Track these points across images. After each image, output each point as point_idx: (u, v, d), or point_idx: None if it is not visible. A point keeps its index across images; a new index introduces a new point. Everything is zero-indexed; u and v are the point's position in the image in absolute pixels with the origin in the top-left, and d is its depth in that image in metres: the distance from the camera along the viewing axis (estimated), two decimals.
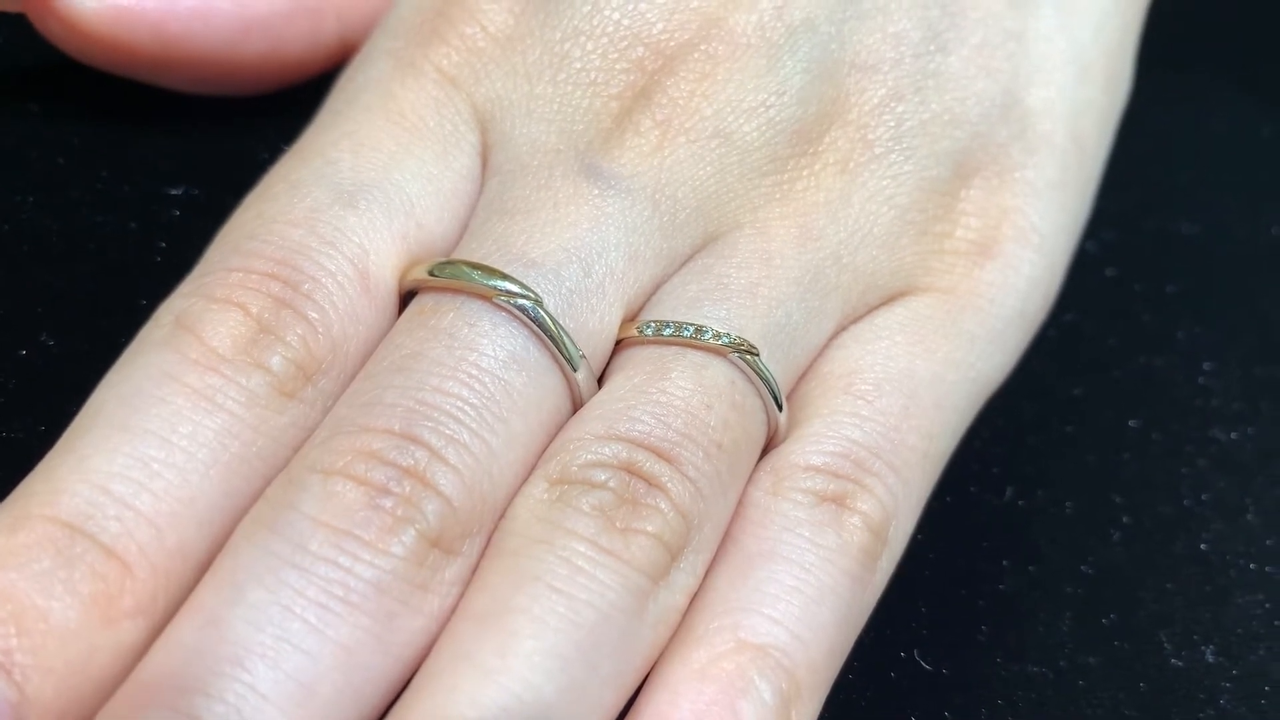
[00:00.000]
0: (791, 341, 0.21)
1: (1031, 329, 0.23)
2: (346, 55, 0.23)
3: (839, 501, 0.19)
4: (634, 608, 0.18)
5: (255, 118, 0.25)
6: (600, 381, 0.20)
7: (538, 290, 0.19)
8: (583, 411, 0.19)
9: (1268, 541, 0.24)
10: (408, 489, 0.17)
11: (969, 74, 0.22)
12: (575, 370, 0.19)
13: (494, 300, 0.19)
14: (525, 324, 0.19)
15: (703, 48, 0.21)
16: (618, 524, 0.18)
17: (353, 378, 0.19)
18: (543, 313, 0.19)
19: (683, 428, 0.19)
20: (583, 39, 0.21)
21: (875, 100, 0.22)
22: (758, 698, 0.18)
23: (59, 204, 0.24)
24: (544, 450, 0.19)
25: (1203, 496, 0.25)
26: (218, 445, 0.18)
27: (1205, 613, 0.23)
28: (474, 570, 0.18)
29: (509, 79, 0.21)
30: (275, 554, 0.17)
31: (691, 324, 0.20)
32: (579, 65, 0.21)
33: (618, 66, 0.21)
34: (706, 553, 0.19)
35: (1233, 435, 0.26)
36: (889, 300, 0.22)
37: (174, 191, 0.24)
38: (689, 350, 0.20)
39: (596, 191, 0.20)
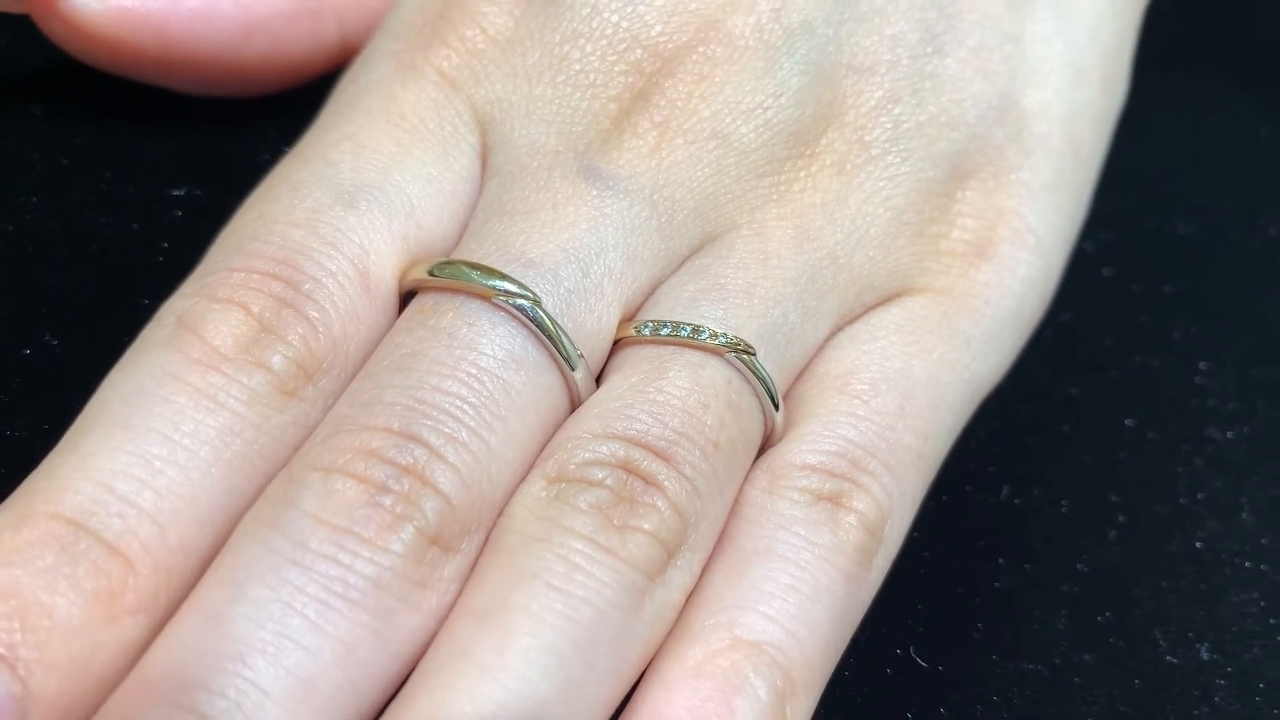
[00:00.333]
0: (788, 341, 0.21)
1: (1027, 330, 0.23)
2: (348, 57, 0.23)
3: (835, 500, 0.20)
4: (631, 605, 0.18)
5: (257, 119, 0.25)
6: (598, 381, 0.20)
7: (536, 290, 0.19)
8: (581, 410, 0.19)
9: (1263, 540, 0.24)
10: (407, 487, 0.18)
11: (965, 76, 0.22)
12: (573, 370, 0.19)
13: (493, 300, 0.19)
14: (524, 324, 0.19)
15: (700, 50, 0.21)
16: (615, 522, 0.18)
17: (353, 377, 0.19)
18: (541, 312, 0.19)
19: (680, 427, 0.19)
20: (581, 41, 0.21)
21: (872, 102, 0.22)
22: (753, 694, 0.18)
23: (62, 205, 0.24)
24: (542, 449, 0.19)
25: (1198, 495, 0.25)
26: (220, 443, 0.18)
27: (1200, 611, 0.23)
28: (472, 567, 0.18)
29: (509, 81, 0.21)
30: (276, 551, 0.17)
31: (689, 324, 0.20)
32: (578, 67, 0.21)
33: (616, 68, 0.21)
34: (703, 551, 0.19)
35: (1229, 435, 0.26)
36: (885, 301, 0.22)
37: (176, 192, 0.24)
38: (686, 350, 0.20)
39: (595, 192, 0.20)
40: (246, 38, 0.24)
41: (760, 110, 0.21)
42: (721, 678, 0.18)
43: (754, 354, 0.20)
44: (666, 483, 0.19)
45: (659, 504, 0.19)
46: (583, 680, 0.17)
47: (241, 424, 0.18)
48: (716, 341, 0.20)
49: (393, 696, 0.17)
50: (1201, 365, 0.27)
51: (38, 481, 0.17)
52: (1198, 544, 0.24)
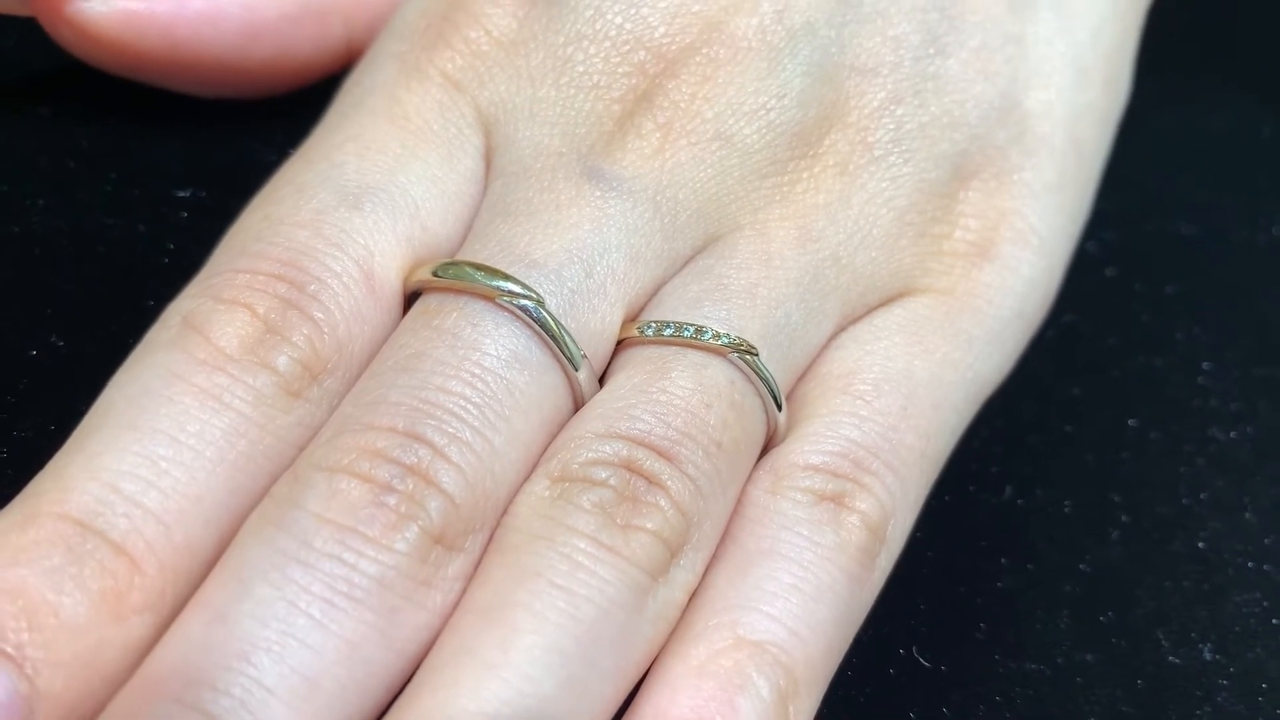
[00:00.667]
0: (791, 342, 0.21)
1: (1030, 330, 0.23)
2: (353, 59, 0.23)
3: (837, 500, 0.20)
4: (634, 604, 0.18)
5: (262, 121, 0.25)
6: (602, 381, 0.20)
7: (540, 291, 0.19)
8: (584, 410, 0.20)
9: (1265, 540, 0.24)
10: (411, 486, 0.18)
11: (968, 77, 0.22)
12: (577, 370, 0.19)
13: (497, 301, 0.19)
14: (527, 324, 0.19)
15: (704, 51, 0.21)
16: (618, 521, 0.18)
17: (358, 377, 0.19)
18: (545, 313, 0.19)
19: (683, 426, 0.19)
20: (585, 43, 0.21)
21: (875, 103, 0.22)
22: (755, 694, 0.18)
23: (69, 206, 0.24)
24: (546, 449, 0.19)
25: (1201, 496, 0.25)
26: (225, 444, 0.18)
27: (1202, 611, 0.23)
28: (477, 566, 0.18)
29: (512, 82, 0.21)
30: (281, 550, 0.17)
31: (692, 324, 0.20)
32: (581, 69, 0.21)
33: (620, 70, 0.21)
34: (706, 550, 0.19)
35: (1231, 435, 0.26)
36: (888, 301, 0.22)
37: (182, 193, 0.24)
38: (689, 350, 0.20)
39: (598, 193, 0.20)
40: (252, 40, 0.24)
41: (763, 111, 0.21)
42: (724, 677, 0.18)
43: (757, 354, 0.20)
44: (669, 482, 0.19)
45: (662, 503, 0.19)
46: (586, 678, 0.17)
47: (247, 424, 0.18)
48: (719, 342, 0.20)
49: (398, 694, 0.18)
50: (1204, 365, 0.27)
51: (44, 482, 0.18)
52: (1200, 544, 0.24)
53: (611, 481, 0.19)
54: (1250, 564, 0.24)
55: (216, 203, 0.24)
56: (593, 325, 0.20)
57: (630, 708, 0.18)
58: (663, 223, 0.21)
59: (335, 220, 0.20)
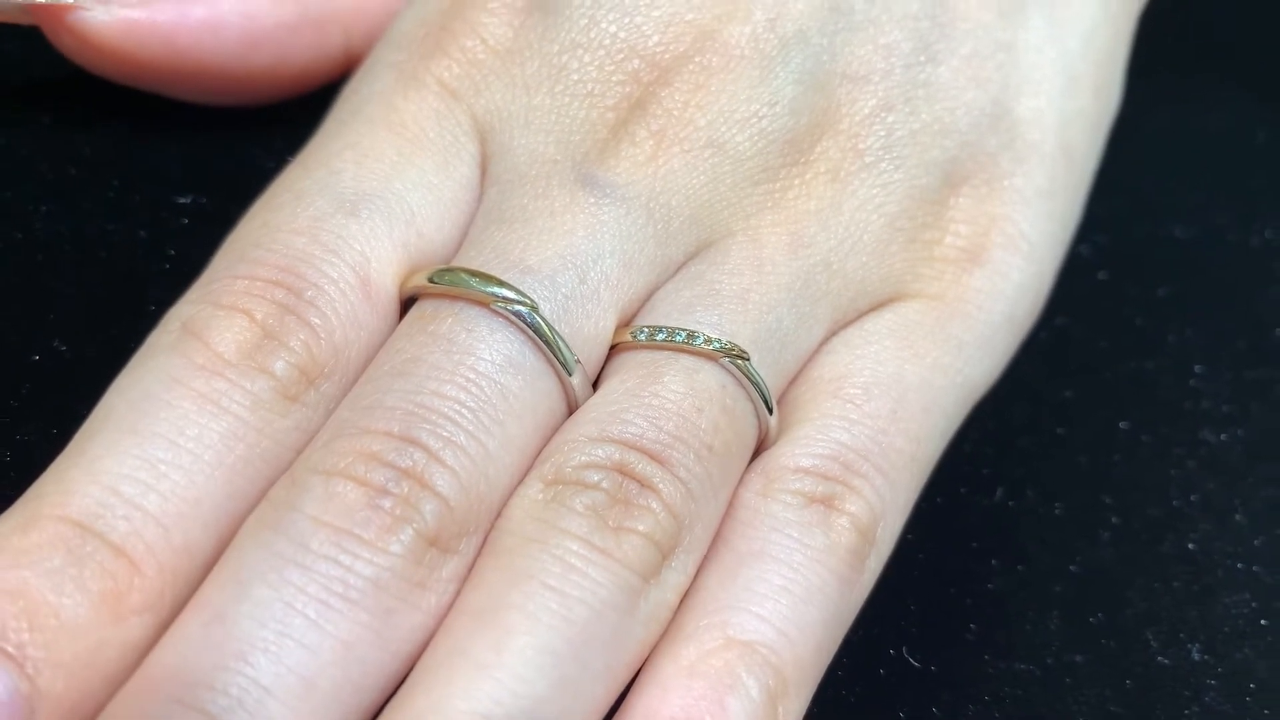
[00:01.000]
0: (782, 346, 0.21)
1: (1020, 335, 0.23)
2: (351, 67, 0.23)
3: (827, 503, 0.20)
4: (626, 605, 0.18)
5: (262, 128, 0.25)
6: (595, 385, 0.20)
7: (534, 296, 0.20)
8: (577, 415, 0.20)
9: (1255, 542, 0.25)
10: (406, 490, 0.18)
11: (959, 84, 0.23)
12: (570, 374, 0.20)
13: (491, 306, 0.19)
14: (522, 329, 0.19)
15: (697, 59, 0.22)
16: (610, 523, 0.19)
17: (354, 382, 0.20)
18: (539, 318, 0.19)
19: (674, 430, 0.19)
20: (580, 51, 0.21)
21: (866, 110, 0.22)
22: (745, 694, 0.18)
23: (70, 212, 0.24)
24: (539, 452, 0.20)
25: (1191, 498, 0.25)
26: (223, 447, 0.18)
27: (1192, 612, 0.24)
28: (470, 568, 0.19)
29: (508, 91, 0.21)
30: (278, 552, 0.18)
31: (684, 329, 0.20)
32: (576, 77, 0.21)
33: (614, 78, 0.21)
34: (697, 552, 0.19)
35: (1222, 437, 0.26)
36: (879, 306, 0.22)
37: (182, 200, 0.25)
38: (681, 355, 0.20)
39: (592, 200, 0.21)
40: (252, 48, 0.24)
41: (755, 119, 0.21)
42: (714, 677, 0.18)
43: (748, 359, 0.20)
44: (661, 485, 0.19)
45: (654, 506, 0.19)
46: (578, 679, 0.18)
47: (244, 428, 0.18)
48: (711, 347, 0.20)
49: (393, 694, 0.18)
50: (1196, 368, 0.27)
51: (46, 485, 0.18)
52: (1190, 545, 0.24)
53: (604, 484, 0.19)
54: (1240, 565, 0.24)
55: (216, 208, 0.24)
56: (586, 330, 0.20)
57: (621, 707, 0.18)
58: (656, 229, 0.21)
59: (332, 227, 0.20)
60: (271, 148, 0.25)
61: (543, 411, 0.20)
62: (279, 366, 0.19)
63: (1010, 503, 0.24)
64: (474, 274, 0.20)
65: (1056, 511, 0.24)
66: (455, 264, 0.20)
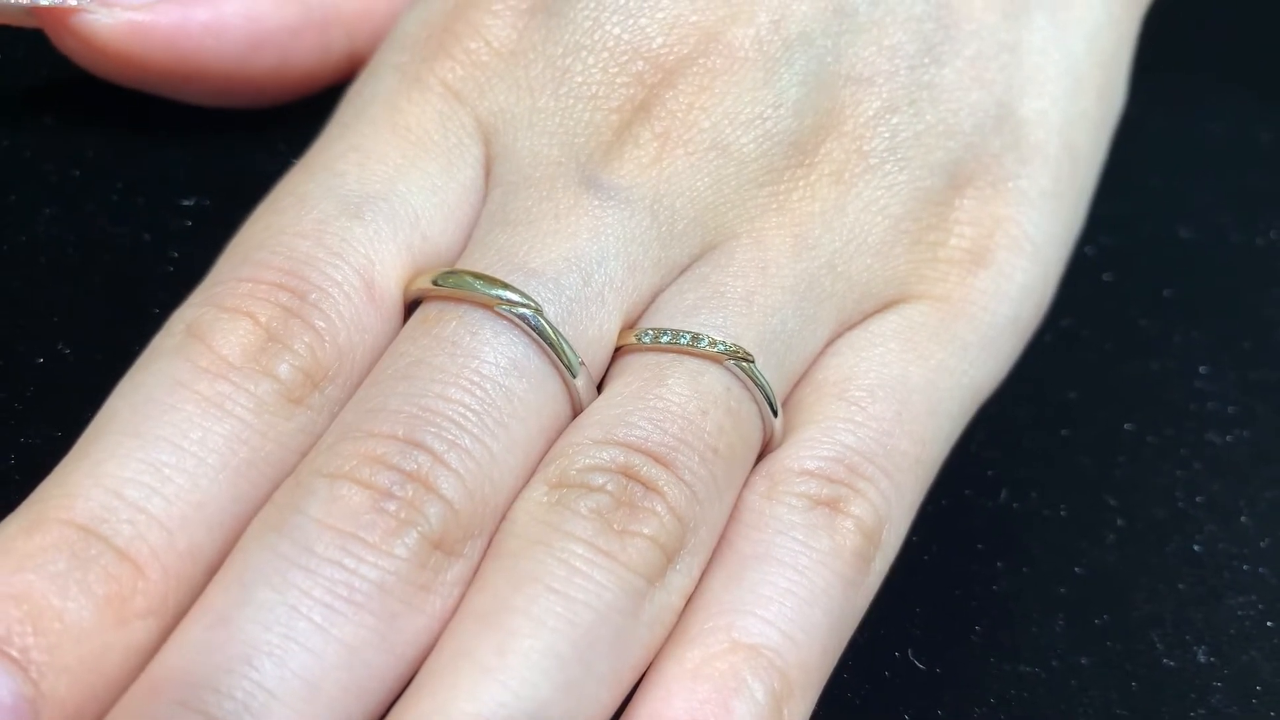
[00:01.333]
0: (787, 349, 0.21)
1: (1025, 336, 0.23)
2: (354, 69, 0.23)
3: (832, 506, 0.20)
4: (630, 608, 0.18)
5: (265, 130, 0.25)
6: (600, 388, 0.20)
7: (538, 299, 0.20)
8: (581, 417, 0.20)
9: (1261, 543, 0.25)
10: (411, 493, 0.18)
11: (963, 85, 0.23)
12: (574, 377, 0.20)
13: (496, 309, 0.19)
14: (526, 332, 0.19)
15: (701, 61, 0.21)
16: (615, 526, 0.19)
17: (359, 384, 0.20)
18: (543, 321, 0.19)
19: (679, 433, 0.19)
20: (584, 53, 0.21)
21: (870, 112, 0.22)
22: (750, 697, 0.18)
23: (74, 215, 0.24)
24: (544, 455, 0.20)
25: (1197, 499, 0.25)
26: (227, 450, 0.18)
27: (1198, 613, 0.24)
28: (475, 571, 0.19)
29: (512, 93, 0.21)
30: (283, 555, 0.18)
31: (688, 331, 0.20)
32: (580, 79, 0.21)
33: (618, 80, 0.21)
34: (702, 555, 0.19)
35: (1228, 438, 0.26)
36: (883, 308, 0.22)
37: (186, 202, 0.25)
38: (686, 357, 0.20)
39: (596, 202, 0.21)
40: (255, 50, 0.24)
41: (759, 121, 0.21)
42: (719, 680, 0.18)
43: (753, 361, 0.20)
44: (666, 488, 0.19)
45: (658, 509, 0.19)
46: (582, 682, 0.18)
47: (249, 431, 0.18)
48: (716, 349, 0.20)
49: (397, 697, 0.18)
50: (1201, 369, 0.27)
51: (50, 488, 0.18)
52: (1196, 547, 0.24)
53: (609, 487, 0.19)
54: (1245, 567, 0.24)
55: (220, 211, 0.24)
56: (590, 333, 0.20)
57: (626, 710, 0.18)
58: (660, 231, 0.21)
59: (336, 230, 0.20)
60: (275, 150, 0.25)
61: (547, 414, 0.20)
62: (283, 369, 0.19)
63: (1015, 504, 0.24)
64: (478, 276, 0.20)
65: (1061, 513, 0.24)
66: (459, 266, 0.20)
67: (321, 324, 0.19)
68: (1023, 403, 0.25)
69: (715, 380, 0.20)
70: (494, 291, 0.19)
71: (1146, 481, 0.25)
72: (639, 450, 0.19)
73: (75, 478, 0.18)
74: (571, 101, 0.21)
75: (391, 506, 0.18)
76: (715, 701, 0.18)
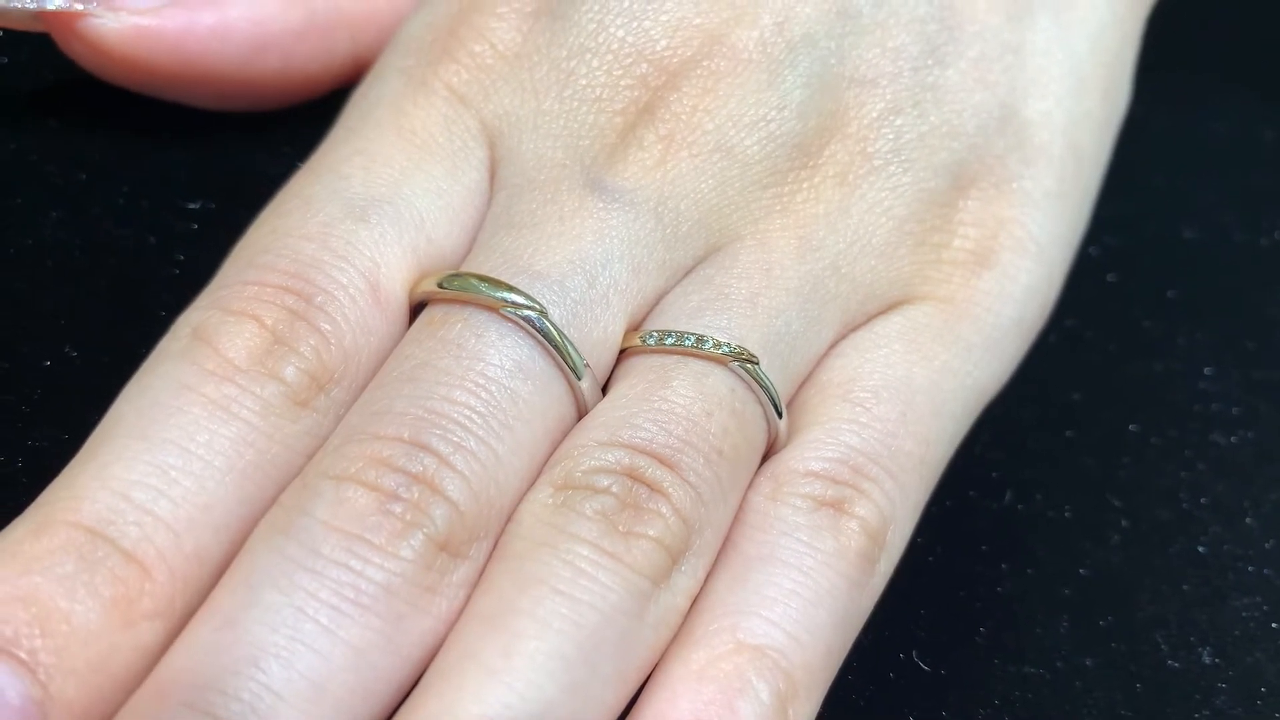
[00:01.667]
0: (791, 350, 0.21)
1: (1029, 337, 0.23)
2: (359, 72, 0.24)
3: (837, 507, 0.20)
4: (635, 609, 0.18)
5: (270, 133, 0.25)
6: (604, 390, 0.20)
7: (543, 301, 0.20)
8: (587, 419, 0.20)
9: (1266, 544, 0.25)
10: (416, 495, 0.18)
11: (966, 87, 0.23)
12: (579, 379, 0.20)
13: (501, 311, 0.19)
14: (531, 334, 0.19)
15: (705, 64, 0.22)
16: (620, 528, 0.19)
17: (364, 387, 0.20)
18: (548, 323, 0.19)
19: (684, 435, 0.19)
20: (588, 56, 0.22)
21: (874, 114, 0.22)
22: (755, 697, 0.18)
23: (80, 218, 0.24)
24: (549, 457, 0.20)
25: (1201, 500, 0.25)
26: (233, 453, 0.18)
27: (1202, 615, 0.24)
28: (481, 573, 0.19)
29: (517, 96, 0.22)
30: (289, 557, 0.18)
31: (693, 333, 0.20)
32: (584, 82, 0.21)
33: (622, 83, 0.21)
34: (707, 556, 0.20)
35: (1232, 439, 0.26)
36: (887, 309, 0.22)
37: (192, 205, 0.25)
38: (690, 359, 0.20)
39: (601, 205, 0.21)
40: (260, 54, 0.24)
41: (763, 123, 0.22)
42: (724, 681, 0.18)
43: (757, 363, 0.20)
44: (671, 490, 0.19)
45: (663, 510, 0.19)
46: (588, 683, 0.18)
47: (255, 434, 0.18)
48: (720, 351, 0.20)
49: (404, 699, 0.18)
50: (1205, 370, 0.27)
51: (57, 490, 0.18)
52: (1200, 548, 0.24)
53: (614, 489, 0.19)
54: (1250, 568, 0.24)
55: (225, 214, 0.24)
56: (595, 335, 0.20)
57: (632, 711, 0.18)
58: (664, 233, 0.21)
59: (342, 233, 0.20)
60: (280, 153, 0.25)
61: (552, 416, 0.20)
62: (289, 372, 0.19)
63: (1020, 506, 0.24)
64: (483, 279, 0.20)
65: (1066, 514, 0.24)
66: (464, 269, 0.20)
67: (327, 327, 0.19)
68: (1027, 404, 0.25)
69: (720, 382, 0.20)
70: (499, 294, 0.20)
71: (1151, 482, 0.25)
72: (644, 452, 0.19)
73: (82, 480, 0.18)
74: (576, 104, 0.21)
75: (397, 509, 0.18)
76: (720, 702, 0.18)
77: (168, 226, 0.24)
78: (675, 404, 0.20)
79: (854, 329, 0.22)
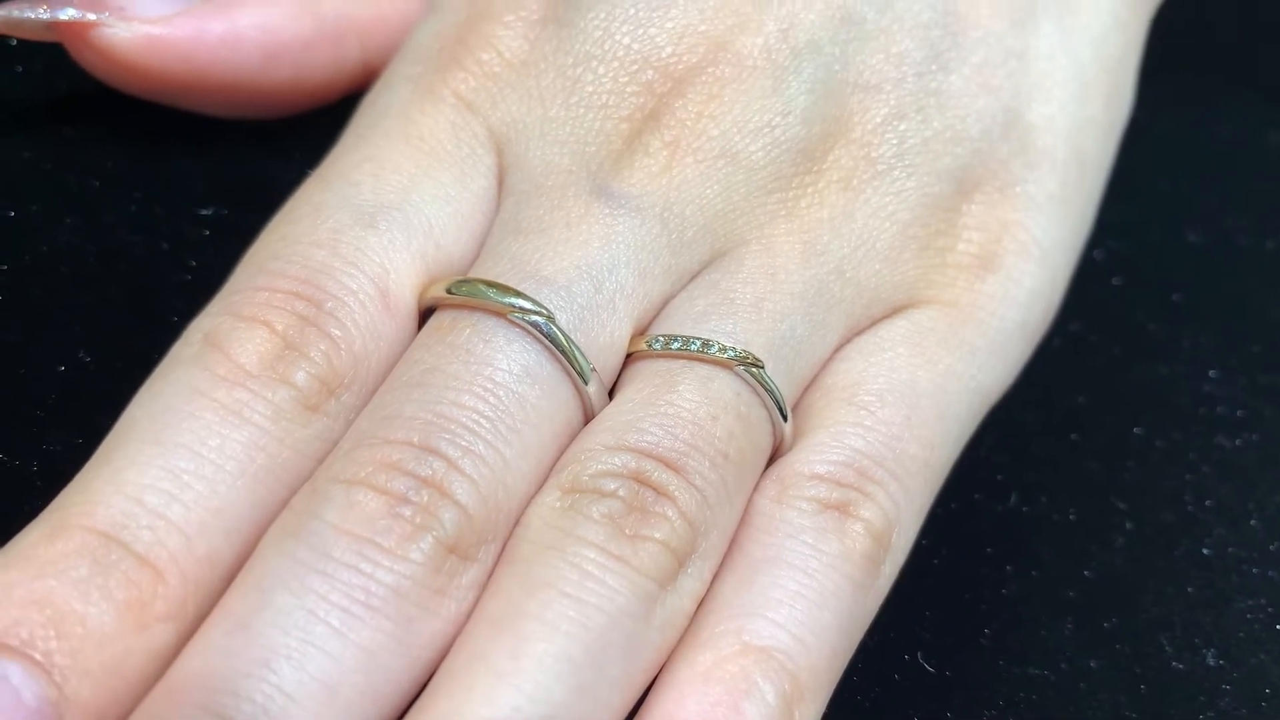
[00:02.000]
0: (796, 354, 0.21)
1: (1033, 341, 0.23)
2: (368, 80, 0.24)
3: (842, 509, 0.20)
4: (642, 612, 0.19)
5: (281, 141, 0.25)
6: (611, 394, 0.21)
7: (550, 307, 0.20)
8: (593, 423, 0.20)
9: (1270, 547, 0.25)
10: (426, 498, 0.18)
11: (970, 92, 0.23)
12: (586, 383, 0.20)
13: (509, 317, 0.20)
14: (538, 339, 0.20)
15: (710, 70, 0.22)
16: (627, 531, 0.19)
17: (374, 392, 0.20)
18: (555, 328, 0.20)
19: (690, 438, 0.20)
20: (594, 63, 0.22)
21: (878, 119, 0.22)
22: (761, 699, 0.18)
23: (94, 225, 0.24)
24: (557, 461, 0.20)
25: (1206, 503, 0.25)
26: (245, 457, 0.19)
27: (1206, 617, 0.24)
28: (489, 576, 0.19)
29: (524, 103, 0.22)
30: (300, 561, 0.18)
31: (698, 338, 0.20)
32: (591, 89, 0.22)
33: (628, 89, 0.22)
34: (713, 559, 0.20)
35: (1237, 442, 0.26)
36: (892, 313, 0.22)
37: (204, 212, 0.25)
38: (696, 363, 0.20)
39: (607, 211, 0.21)
40: (270, 62, 0.24)
41: (768, 129, 0.22)
42: (730, 682, 0.18)
43: (762, 367, 0.20)
44: (677, 493, 0.19)
45: (670, 514, 0.19)
46: (595, 685, 0.18)
47: (266, 438, 0.19)
48: (726, 355, 0.20)
49: (413, 700, 0.18)
50: (1210, 373, 0.27)
51: (71, 495, 0.18)
52: (1205, 550, 0.24)
53: (620, 493, 0.19)
54: (1255, 570, 0.24)
55: (237, 220, 0.24)
56: (602, 339, 0.20)
57: (638, 713, 0.19)
58: (670, 239, 0.21)
59: (351, 239, 0.20)
60: (290, 160, 0.25)
61: (560, 420, 0.20)
62: (300, 377, 0.19)
63: (1024, 508, 0.24)
64: (491, 285, 0.20)
65: (1070, 517, 0.24)
66: (472, 275, 0.21)
67: (337, 332, 0.19)
68: (1031, 407, 0.25)
69: (725, 386, 0.20)
70: (507, 299, 0.20)
71: (1155, 485, 0.25)
72: (650, 456, 0.19)
73: (96, 485, 0.18)
74: (582, 111, 0.22)
75: (407, 512, 0.18)
76: (727, 704, 0.18)
77: (180, 233, 0.25)
78: (681, 408, 0.20)
79: (858, 333, 0.22)
